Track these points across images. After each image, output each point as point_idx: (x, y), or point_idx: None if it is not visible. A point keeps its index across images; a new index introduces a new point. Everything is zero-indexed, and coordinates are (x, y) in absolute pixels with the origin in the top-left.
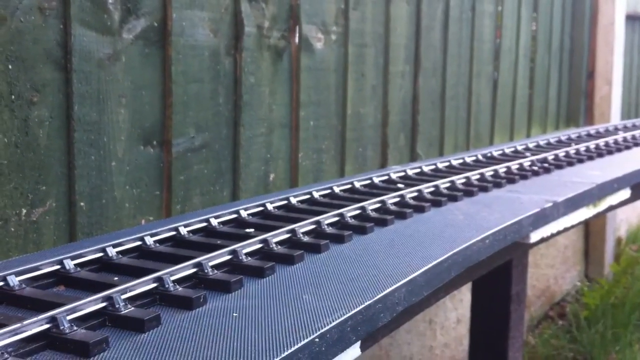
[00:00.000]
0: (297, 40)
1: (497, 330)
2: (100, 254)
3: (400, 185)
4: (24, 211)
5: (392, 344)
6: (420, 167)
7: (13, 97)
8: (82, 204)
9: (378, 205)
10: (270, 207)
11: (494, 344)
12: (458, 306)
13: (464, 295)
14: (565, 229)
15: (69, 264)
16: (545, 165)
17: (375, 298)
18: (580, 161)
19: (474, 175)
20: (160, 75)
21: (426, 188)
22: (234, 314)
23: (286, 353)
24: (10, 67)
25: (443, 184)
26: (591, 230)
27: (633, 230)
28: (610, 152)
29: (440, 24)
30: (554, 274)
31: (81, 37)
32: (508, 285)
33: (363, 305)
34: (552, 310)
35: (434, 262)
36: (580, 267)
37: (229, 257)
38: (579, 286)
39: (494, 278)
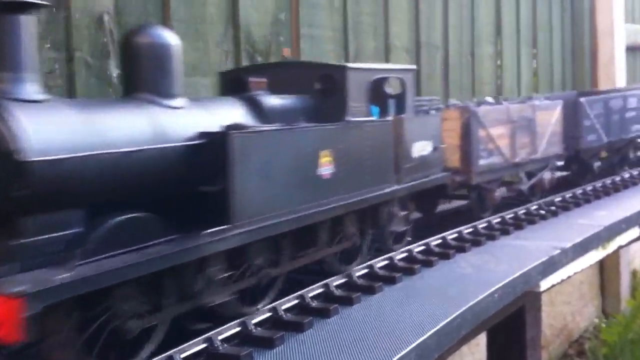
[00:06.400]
0: None
1: None
2: None
3: (408, 238)
4: None
5: None
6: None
7: None
8: None
9: (386, 262)
10: None
11: None
12: (474, 350)
13: (480, 339)
14: (576, 274)
15: None
16: (552, 208)
17: None
18: (587, 201)
19: (480, 224)
20: None
21: (434, 240)
22: None
23: None
24: None
25: (450, 235)
26: (605, 265)
27: None
28: (616, 190)
29: (440, 72)
30: (571, 310)
31: None
32: (522, 331)
33: None
34: (571, 348)
35: (443, 323)
36: (597, 301)
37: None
38: (597, 322)
39: (508, 325)
